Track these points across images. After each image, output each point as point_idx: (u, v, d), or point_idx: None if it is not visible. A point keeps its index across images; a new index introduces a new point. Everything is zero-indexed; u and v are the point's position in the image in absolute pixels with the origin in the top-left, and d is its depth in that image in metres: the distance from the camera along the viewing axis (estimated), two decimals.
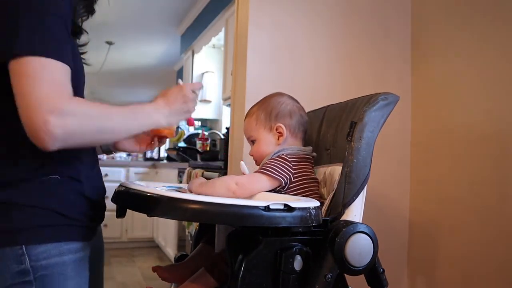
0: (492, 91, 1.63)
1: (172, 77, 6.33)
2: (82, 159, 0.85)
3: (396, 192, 2.00)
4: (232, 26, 2.90)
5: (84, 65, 0.94)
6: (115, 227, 4.35)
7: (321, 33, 1.91)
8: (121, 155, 5.05)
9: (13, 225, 0.74)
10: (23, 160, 0.76)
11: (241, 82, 1.82)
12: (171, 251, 3.70)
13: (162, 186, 1.10)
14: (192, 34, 4.33)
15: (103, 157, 4.78)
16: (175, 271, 1.10)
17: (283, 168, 1.04)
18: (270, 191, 1.04)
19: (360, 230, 0.91)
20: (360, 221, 0.99)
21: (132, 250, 4.45)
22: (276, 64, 1.82)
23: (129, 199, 0.83)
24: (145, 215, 0.76)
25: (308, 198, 0.95)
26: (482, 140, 1.64)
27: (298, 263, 0.84)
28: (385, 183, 1.95)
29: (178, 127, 1.06)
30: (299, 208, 0.79)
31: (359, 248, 0.90)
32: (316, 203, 0.85)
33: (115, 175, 4.38)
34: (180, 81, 0.97)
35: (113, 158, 4.96)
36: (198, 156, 3.60)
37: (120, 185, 0.89)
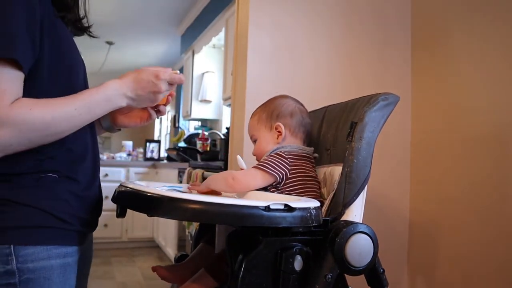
0: (492, 91, 1.63)
1: None
2: (84, 160, 0.84)
3: (396, 192, 2.00)
4: (232, 26, 2.91)
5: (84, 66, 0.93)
6: (115, 227, 4.34)
7: (321, 33, 1.91)
8: (121, 155, 5.05)
9: (4, 223, 0.72)
10: (23, 156, 0.74)
11: (241, 82, 1.82)
12: (171, 251, 3.70)
13: (162, 186, 1.10)
14: (192, 34, 4.33)
15: (103, 157, 4.79)
16: (175, 271, 1.10)
17: (279, 164, 1.06)
18: (267, 186, 1.06)
19: (360, 230, 0.91)
20: (360, 221, 1.00)
21: (132, 250, 4.45)
22: (276, 64, 1.82)
23: (129, 199, 0.83)
24: (145, 215, 0.76)
25: (308, 198, 0.95)
26: (482, 140, 1.64)
27: (298, 263, 0.84)
28: (385, 183, 1.96)
29: (169, 95, 1.01)
30: (300, 208, 0.79)
31: (359, 248, 0.90)
32: (317, 203, 0.85)
33: (115, 175, 4.37)
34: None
35: (113, 158, 4.96)
36: (198, 156, 3.60)
37: (120, 185, 0.88)
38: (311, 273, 0.87)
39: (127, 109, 0.94)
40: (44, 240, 0.75)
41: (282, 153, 1.09)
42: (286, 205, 0.77)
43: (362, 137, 1.02)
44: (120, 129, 1.04)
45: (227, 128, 3.18)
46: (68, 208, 0.79)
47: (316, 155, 1.19)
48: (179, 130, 5.10)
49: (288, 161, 1.07)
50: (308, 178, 1.10)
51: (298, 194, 1.06)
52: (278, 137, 1.15)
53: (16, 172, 0.74)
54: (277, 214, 0.76)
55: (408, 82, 2.04)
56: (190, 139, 4.23)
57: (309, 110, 1.30)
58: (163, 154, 5.37)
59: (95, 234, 0.97)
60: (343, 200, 1.00)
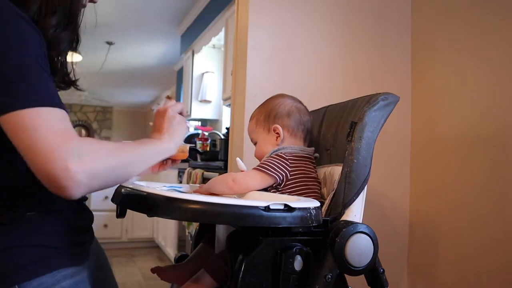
0: (492, 91, 1.63)
1: (172, 77, 6.33)
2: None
3: (396, 192, 2.00)
4: (232, 26, 2.90)
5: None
6: (115, 227, 4.34)
7: (321, 33, 1.91)
8: None
9: (3, 269, 0.72)
10: None
11: (241, 82, 1.82)
12: (171, 251, 3.70)
13: (162, 186, 1.10)
14: (192, 34, 4.33)
15: None
16: (174, 272, 1.10)
17: (278, 165, 1.05)
18: (267, 188, 1.05)
19: (360, 230, 0.91)
20: (360, 221, 0.99)
21: (132, 250, 4.46)
22: (276, 64, 1.82)
23: (129, 199, 0.83)
24: (145, 215, 0.76)
25: (308, 198, 0.95)
26: (482, 140, 1.64)
27: (298, 263, 0.84)
28: (385, 183, 1.96)
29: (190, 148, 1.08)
30: (299, 208, 0.79)
31: (359, 248, 0.90)
32: (316, 203, 0.85)
33: None
34: (157, 107, 0.98)
35: None
36: (198, 156, 3.60)
37: (120, 185, 0.88)
38: (311, 273, 0.87)
39: None
40: (47, 269, 0.75)
41: (283, 154, 1.08)
42: (286, 205, 0.77)
43: (362, 137, 1.02)
44: None
45: (227, 128, 3.18)
46: (59, 236, 0.79)
47: (317, 155, 1.18)
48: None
49: (289, 162, 1.06)
50: (308, 179, 1.09)
51: (299, 196, 1.06)
52: (277, 138, 1.14)
53: None
54: (277, 214, 0.76)
55: (408, 82, 2.04)
56: (190, 139, 4.22)
57: (309, 110, 1.30)
58: None
59: (95, 234, 0.97)
60: (343, 200, 1.00)
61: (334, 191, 1.04)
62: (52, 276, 0.75)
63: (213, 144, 3.64)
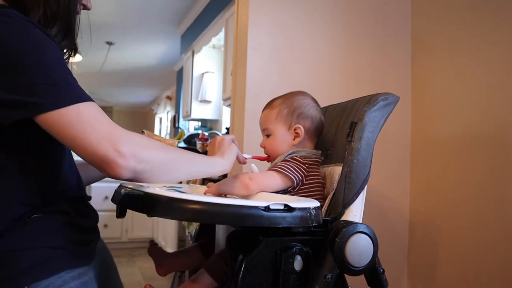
0: (492, 91, 1.63)
1: (172, 77, 6.33)
2: (66, 191, 0.85)
3: (396, 192, 2.00)
4: (232, 26, 2.90)
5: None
6: (115, 227, 4.34)
7: (321, 33, 1.91)
8: None
9: (12, 273, 0.73)
10: (5, 211, 0.75)
11: (241, 82, 1.82)
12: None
13: (162, 186, 1.10)
14: (192, 34, 4.33)
15: None
16: (166, 261, 1.12)
17: (297, 169, 1.04)
18: (280, 191, 1.04)
19: (360, 230, 0.91)
20: (360, 221, 1.00)
21: (132, 250, 4.46)
22: (276, 64, 1.82)
23: (129, 199, 0.83)
24: (145, 215, 0.76)
25: (308, 199, 0.95)
26: (482, 140, 1.64)
27: (298, 263, 0.84)
28: (385, 183, 1.96)
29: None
30: (299, 209, 0.79)
31: (359, 248, 0.90)
32: (316, 204, 0.85)
33: None
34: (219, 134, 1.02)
35: None
36: None
37: (120, 185, 0.88)
38: (311, 273, 0.87)
39: None
40: (54, 270, 0.76)
41: (300, 158, 1.06)
42: (285, 205, 0.77)
43: (361, 137, 1.02)
44: None
45: (227, 128, 3.18)
46: (65, 236, 0.80)
47: (322, 158, 1.17)
48: (179, 130, 5.10)
49: (306, 167, 1.05)
50: (318, 184, 1.09)
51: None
52: (294, 138, 1.12)
53: (6, 228, 0.75)
54: (277, 214, 0.76)
55: (408, 82, 2.04)
56: (190, 139, 4.22)
57: None
58: None
59: None
60: (343, 200, 1.00)
61: (334, 191, 1.04)
62: (60, 277, 0.76)
63: None
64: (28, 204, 0.77)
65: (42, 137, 0.73)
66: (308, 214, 0.80)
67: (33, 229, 0.77)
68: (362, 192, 1.02)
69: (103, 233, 1.03)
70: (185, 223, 3.09)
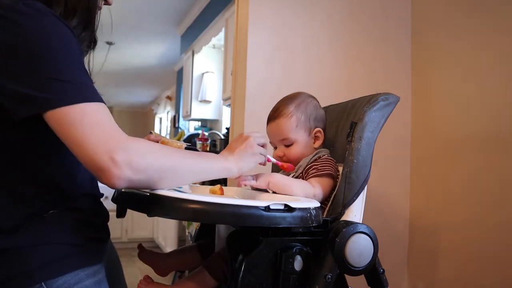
0: (492, 90, 1.63)
1: (172, 77, 6.33)
2: (82, 188, 0.85)
3: (396, 192, 2.00)
4: (232, 26, 2.90)
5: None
6: (115, 227, 4.34)
7: (321, 33, 1.91)
8: None
9: (28, 267, 0.73)
10: (22, 205, 0.75)
11: (241, 82, 1.82)
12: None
13: None
14: (192, 34, 4.33)
15: None
16: (163, 262, 1.13)
17: (334, 168, 1.07)
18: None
19: (360, 230, 0.91)
20: (360, 221, 1.00)
21: (132, 250, 4.45)
22: (276, 64, 1.82)
23: (129, 199, 0.82)
24: (145, 215, 0.76)
25: (308, 199, 0.95)
26: (482, 140, 1.64)
27: (298, 263, 0.84)
28: (385, 183, 1.96)
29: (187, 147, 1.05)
30: (299, 209, 0.79)
31: (359, 248, 0.90)
32: (316, 204, 0.85)
33: None
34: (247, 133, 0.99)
35: None
36: None
37: None
38: (311, 273, 0.87)
39: None
40: (70, 267, 0.76)
41: (330, 157, 1.10)
42: (286, 205, 0.77)
43: (362, 137, 1.02)
44: None
45: (227, 128, 3.18)
46: (80, 233, 0.80)
47: None
48: (179, 130, 5.10)
49: (336, 165, 1.09)
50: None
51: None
52: (315, 142, 1.14)
53: (21, 223, 0.75)
54: (277, 214, 0.76)
55: (408, 82, 2.04)
56: (190, 139, 4.23)
57: None
58: None
59: None
60: (343, 200, 1.00)
61: (335, 191, 1.04)
62: (76, 275, 0.76)
63: (213, 144, 3.64)
64: (45, 199, 0.77)
65: None
66: (308, 214, 0.80)
67: (50, 225, 0.77)
68: (362, 192, 1.02)
69: None
70: (185, 223, 3.09)
